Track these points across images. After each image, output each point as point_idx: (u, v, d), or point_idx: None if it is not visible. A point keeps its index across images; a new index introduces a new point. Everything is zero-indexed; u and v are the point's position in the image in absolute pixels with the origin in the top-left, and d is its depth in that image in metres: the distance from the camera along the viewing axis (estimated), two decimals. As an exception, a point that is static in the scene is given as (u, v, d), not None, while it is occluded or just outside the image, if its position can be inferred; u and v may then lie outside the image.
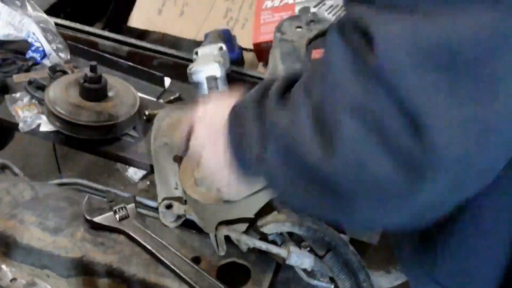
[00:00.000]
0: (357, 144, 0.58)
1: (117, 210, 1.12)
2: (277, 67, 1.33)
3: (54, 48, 1.54)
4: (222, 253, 1.07)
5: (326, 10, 1.48)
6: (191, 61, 1.42)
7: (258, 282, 1.04)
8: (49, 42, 1.54)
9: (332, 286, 1.05)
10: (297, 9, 1.50)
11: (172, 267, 1.04)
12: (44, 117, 1.34)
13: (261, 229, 1.06)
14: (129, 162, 1.34)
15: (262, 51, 1.54)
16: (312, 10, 1.47)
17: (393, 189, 0.59)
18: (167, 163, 1.19)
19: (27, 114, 1.35)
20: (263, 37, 1.53)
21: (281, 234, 1.07)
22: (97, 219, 1.11)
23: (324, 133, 0.61)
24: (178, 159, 1.18)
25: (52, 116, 1.31)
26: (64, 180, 1.31)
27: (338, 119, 0.59)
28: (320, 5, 1.49)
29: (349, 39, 0.60)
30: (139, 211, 1.15)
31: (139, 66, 1.54)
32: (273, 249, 1.03)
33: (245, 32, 1.72)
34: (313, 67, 0.78)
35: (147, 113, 1.36)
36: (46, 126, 1.34)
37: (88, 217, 1.11)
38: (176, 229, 1.12)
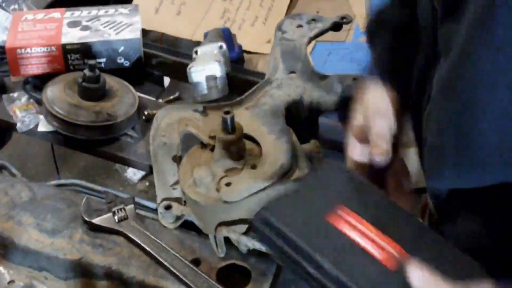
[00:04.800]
0: None
1: (116, 211, 1.11)
2: (278, 66, 1.31)
3: (52, 47, 1.53)
4: (222, 255, 1.06)
5: (102, 25, 1.47)
6: (190, 60, 1.41)
7: (259, 284, 1.03)
8: (47, 41, 1.53)
9: (334, 288, 1.04)
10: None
11: (172, 269, 1.03)
12: (42, 117, 1.33)
13: (262, 231, 1.05)
14: (128, 163, 1.33)
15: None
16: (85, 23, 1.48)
17: None
18: (166, 164, 1.18)
19: (25, 114, 1.34)
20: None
21: (282, 235, 1.06)
22: (96, 220, 1.10)
23: None
24: (177, 159, 1.17)
25: (50, 116, 1.30)
26: (63, 181, 1.30)
27: None
28: (94, 20, 1.48)
29: None
30: (138, 212, 1.14)
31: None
32: (274, 250, 1.01)
33: (242, 33, 1.71)
34: None
35: (146, 113, 1.35)
36: (44, 126, 1.33)
37: (86, 219, 1.10)
38: (176, 230, 1.11)
